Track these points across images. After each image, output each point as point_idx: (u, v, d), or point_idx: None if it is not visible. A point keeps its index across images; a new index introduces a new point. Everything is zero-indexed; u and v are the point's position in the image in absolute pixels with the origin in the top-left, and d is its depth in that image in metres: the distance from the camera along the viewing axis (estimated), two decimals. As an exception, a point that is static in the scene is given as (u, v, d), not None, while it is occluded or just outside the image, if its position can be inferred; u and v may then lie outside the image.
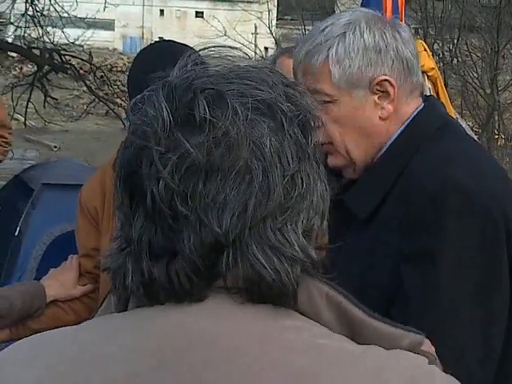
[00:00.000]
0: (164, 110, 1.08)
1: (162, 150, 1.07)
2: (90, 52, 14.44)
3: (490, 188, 1.88)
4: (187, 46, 2.63)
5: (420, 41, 6.47)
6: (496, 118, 12.03)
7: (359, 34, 1.98)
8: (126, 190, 1.11)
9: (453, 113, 5.50)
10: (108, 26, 35.50)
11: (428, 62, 5.73)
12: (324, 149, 1.98)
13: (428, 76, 5.68)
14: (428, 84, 5.67)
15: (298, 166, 1.10)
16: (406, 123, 2.02)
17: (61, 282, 2.66)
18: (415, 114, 2.04)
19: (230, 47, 1.18)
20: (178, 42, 2.71)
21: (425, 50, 5.80)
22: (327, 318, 1.13)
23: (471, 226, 1.83)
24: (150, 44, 3.11)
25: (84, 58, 14.32)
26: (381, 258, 1.91)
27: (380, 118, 2.00)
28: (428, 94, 5.37)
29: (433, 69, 5.63)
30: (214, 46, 1.18)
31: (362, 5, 5.31)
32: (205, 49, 1.18)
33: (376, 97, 1.99)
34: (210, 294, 1.09)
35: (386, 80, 1.98)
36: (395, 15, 5.13)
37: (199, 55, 1.17)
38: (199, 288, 1.09)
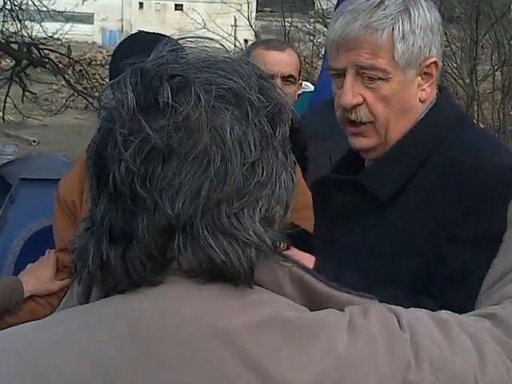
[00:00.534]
0: (129, 94, 1.11)
1: (125, 132, 1.09)
2: (69, 46, 14.39)
3: None
4: (166, 36, 2.63)
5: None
6: (475, 107, 12.06)
7: (422, 11, 1.95)
8: (94, 172, 1.14)
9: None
10: (87, 19, 35.36)
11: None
12: (359, 130, 1.97)
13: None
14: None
15: (260, 154, 1.12)
16: (428, 108, 2.02)
17: (38, 277, 2.65)
18: (435, 99, 2.04)
19: (208, 38, 1.21)
20: (157, 33, 2.72)
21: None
22: (291, 293, 1.16)
23: None
24: (129, 36, 3.11)
25: (62, 52, 14.26)
26: (408, 239, 1.89)
27: (419, 99, 1.99)
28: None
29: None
30: (191, 37, 1.20)
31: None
32: (182, 38, 1.20)
33: (420, 77, 1.98)
34: (166, 278, 1.11)
35: (434, 61, 1.98)
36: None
37: (177, 43, 1.19)
38: (153, 272, 1.11)
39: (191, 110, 1.09)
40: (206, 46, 1.19)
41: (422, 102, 1.99)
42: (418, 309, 1.26)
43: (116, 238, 1.11)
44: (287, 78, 3.38)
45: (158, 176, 1.09)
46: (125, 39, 2.85)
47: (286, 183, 1.17)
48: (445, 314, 1.28)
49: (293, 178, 1.19)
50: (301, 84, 3.54)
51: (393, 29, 1.92)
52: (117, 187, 1.10)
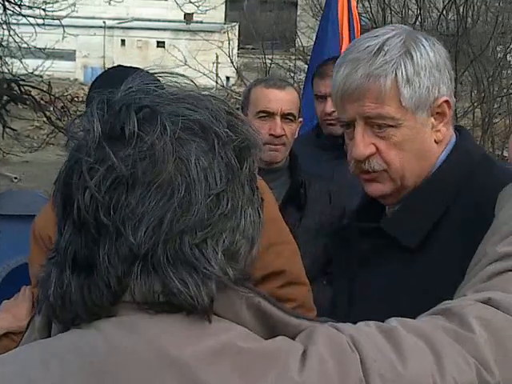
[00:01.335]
0: (96, 123, 1.13)
1: (91, 160, 1.11)
2: (50, 82, 14.37)
3: None
4: (139, 69, 2.66)
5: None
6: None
7: (424, 50, 1.89)
8: (59, 200, 1.15)
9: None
10: (69, 56, 35.41)
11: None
12: (372, 176, 1.91)
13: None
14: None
15: (225, 186, 1.13)
16: (449, 147, 1.95)
17: (13, 314, 2.63)
18: (455, 138, 1.98)
19: (180, 75, 1.23)
20: (134, 67, 2.74)
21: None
22: (248, 320, 1.16)
23: None
24: (106, 69, 3.15)
25: (43, 89, 14.24)
26: (434, 289, 1.76)
27: (435, 140, 1.93)
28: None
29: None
30: (164, 72, 1.22)
31: (318, 34, 5.39)
32: (156, 73, 1.22)
33: (433, 118, 1.92)
34: (120, 309, 1.11)
35: (446, 101, 1.92)
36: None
37: (148, 76, 1.22)
38: (109, 302, 1.11)
39: (156, 139, 1.11)
40: (176, 82, 1.21)
41: (437, 142, 1.93)
42: (365, 322, 1.27)
43: (78, 267, 1.11)
44: (287, 116, 3.41)
45: (121, 204, 1.09)
46: (102, 73, 2.87)
47: (253, 218, 1.17)
48: (394, 321, 1.28)
49: (259, 214, 1.19)
50: (301, 122, 3.56)
51: (396, 74, 1.86)
52: (81, 215, 1.11)
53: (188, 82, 1.22)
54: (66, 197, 1.13)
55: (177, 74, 1.23)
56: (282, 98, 3.43)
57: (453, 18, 13.35)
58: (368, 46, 1.89)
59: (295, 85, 14.64)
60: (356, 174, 1.97)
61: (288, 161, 3.64)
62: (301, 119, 3.58)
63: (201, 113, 1.15)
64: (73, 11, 13.87)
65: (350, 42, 5.15)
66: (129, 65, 2.99)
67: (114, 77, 2.59)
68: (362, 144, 1.89)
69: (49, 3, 13.10)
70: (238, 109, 3.50)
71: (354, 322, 1.80)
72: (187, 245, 1.10)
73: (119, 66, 3.00)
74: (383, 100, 1.87)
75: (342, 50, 5.06)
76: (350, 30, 5.18)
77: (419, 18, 13.41)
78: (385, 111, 1.87)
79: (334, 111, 3.92)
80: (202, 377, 1.07)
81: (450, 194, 1.89)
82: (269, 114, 3.35)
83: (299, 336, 1.18)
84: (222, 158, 1.14)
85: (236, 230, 1.14)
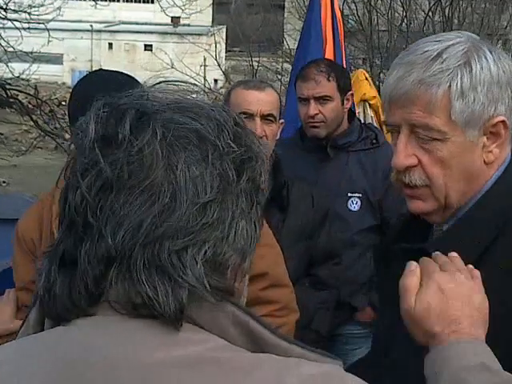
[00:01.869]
0: (92, 126, 1.15)
1: (85, 162, 1.13)
2: (36, 86, 14.34)
3: None
4: (124, 73, 2.70)
5: (361, 70, 6.56)
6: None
7: (486, 63, 1.75)
8: (62, 197, 1.17)
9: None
10: (56, 60, 35.35)
11: (370, 90, 5.81)
12: (414, 193, 1.81)
13: (370, 104, 5.76)
14: (370, 112, 5.75)
15: (215, 197, 1.13)
16: (501, 168, 1.82)
17: (-3, 317, 2.63)
18: (509, 158, 1.85)
19: (187, 83, 1.26)
20: (115, 71, 2.79)
21: (366, 78, 5.89)
22: (235, 336, 1.15)
23: None
24: (87, 74, 3.18)
25: (30, 93, 14.22)
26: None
27: (484, 161, 1.79)
28: (370, 121, 5.44)
29: (374, 97, 5.71)
30: (170, 81, 1.25)
31: (302, 36, 5.40)
32: (161, 82, 1.25)
33: (485, 138, 1.77)
34: (98, 310, 1.13)
35: (502, 121, 1.77)
36: (336, 46, 5.21)
37: (153, 87, 1.24)
38: (86, 303, 1.13)
39: (146, 145, 1.12)
40: (185, 90, 1.23)
41: (487, 164, 1.79)
42: None
43: (65, 264, 1.14)
44: (267, 117, 3.42)
45: (107, 206, 1.11)
46: (83, 77, 2.89)
47: (246, 231, 1.16)
48: None
49: (255, 228, 1.18)
50: (282, 123, 3.58)
51: (450, 85, 1.73)
52: (71, 214, 1.13)
53: (197, 90, 1.25)
54: (64, 194, 1.17)
55: (184, 81, 1.25)
56: (262, 99, 3.43)
57: (439, 20, 13.42)
58: (427, 51, 1.77)
59: (282, 87, 14.67)
60: (397, 187, 1.86)
61: (270, 162, 3.65)
62: (282, 120, 3.59)
63: (201, 122, 1.15)
64: (58, 15, 13.85)
65: (333, 44, 5.15)
66: (115, 69, 3.01)
67: (96, 81, 2.62)
68: (403, 153, 1.79)
69: (34, 7, 13.08)
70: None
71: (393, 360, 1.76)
72: (166, 251, 1.10)
73: (101, 69, 3.02)
74: (432, 110, 1.75)
75: (326, 53, 5.09)
76: (333, 33, 5.18)
77: (405, 20, 13.48)
78: (432, 122, 1.75)
79: (317, 114, 3.95)
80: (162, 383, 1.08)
81: (498, 219, 1.77)
82: (249, 116, 3.36)
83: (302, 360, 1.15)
84: (215, 168, 1.14)
85: (223, 241, 1.14)
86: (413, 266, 1.60)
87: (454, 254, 1.64)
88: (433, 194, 1.79)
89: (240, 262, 1.17)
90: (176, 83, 1.25)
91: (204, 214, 1.12)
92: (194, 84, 1.27)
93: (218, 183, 1.14)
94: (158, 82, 1.25)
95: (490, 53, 1.77)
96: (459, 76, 1.73)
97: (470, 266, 1.62)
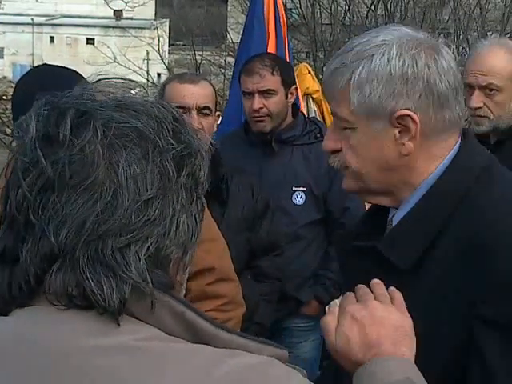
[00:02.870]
0: (33, 125, 1.16)
1: (26, 161, 1.14)
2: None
3: None
4: (67, 68, 2.69)
5: (304, 64, 6.58)
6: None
7: (387, 59, 1.77)
8: (4, 198, 1.18)
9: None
10: (-3, 54, 34.92)
11: (313, 84, 5.84)
12: (343, 172, 1.90)
13: (313, 98, 5.79)
14: (313, 106, 5.78)
15: (156, 193, 1.15)
16: (444, 163, 1.84)
17: None
18: (453, 153, 1.85)
19: (131, 80, 1.27)
20: (59, 66, 2.78)
21: (309, 72, 5.91)
22: (172, 327, 1.16)
23: None
24: (32, 68, 3.16)
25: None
26: (429, 313, 1.72)
27: (402, 153, 1.81)
28: (313, 115, 5.47)
29: (317, 91, 5.73)
30: (112, 78, 1.26)
31: (245, 30, 5.40)
32: (104, 79, 1.26)
33: (397, 131, 1.79)
34: (35, 302, 1.15)
35: (407, 115, 1.77)
36: (279, 40, 5.21)
37: (93, 84, 1.24)
38: (25, 296, 1.15)
39: (87, 144, 1.13)
40: (122, 87, 1.24)
41: (405, 155, 1.80)
42: None
43: (4, 261, 1.15)
44: (202, 110, 3.42)
45: (49, 206, 1.12)
46: (27, 72, 2.88)
47: (187, 226, 1.19)
48: None
49: (197, 223, 1.21)
50: (218, 116, 3.58)
51: (350, 77, 1.78)
52: (12, 212, 1.15)
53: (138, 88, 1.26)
54: (6, 192, 1.18)
55: (125, 79, 1.26)
56: (197, 92, 3.43)
57: (381, 14, 13.52)
58: (356, 42, 1.83)
59: (226, 81, 14.67)
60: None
61: (208, 156, 3.64)
62: (218, 113, 3.60)
63: (141, 120, 1.17)
64: (-1, 8, 13.67)
65: (276, 38, 5.16)
66: (59, 63, 3.00)
67: (39, 77, 2.61)
68: (328, 138, 1.90)
69: (-26, 0, 12.90)
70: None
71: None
72: (109, 248, 1.12)
73: (45, 64, 2.99)
74: (338, 100, 1.82)
75: (268, 47, 5.09)
76: (276, 27, 5.19)
77: (348, 14, 13.55)
78: (340, 111, 1.82)
79: (261, 108, 3.96)
80: (89, 371, 1.09)
81: (443, 212, 1.79)
82: (185, 109, 3.35)
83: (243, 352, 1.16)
84: (156, 165, 1.15)
85: (165, 236, 1.16)
86: (331, 305, 1.64)
87: (377, 280, 1.66)
88: (351, 175, 1.88)
89: (181, 255, 1.19)
90: (116, 80, 1.26)
91: (146, 211, 1.14)
92: (134, 81, 1.26)
93: (159, 180, 1.16)
94: (98, 79, 1.25)
95: (398, 47, 1.77)
96: (359, 69, 1.78)
97: (392, 288, 1.64)
